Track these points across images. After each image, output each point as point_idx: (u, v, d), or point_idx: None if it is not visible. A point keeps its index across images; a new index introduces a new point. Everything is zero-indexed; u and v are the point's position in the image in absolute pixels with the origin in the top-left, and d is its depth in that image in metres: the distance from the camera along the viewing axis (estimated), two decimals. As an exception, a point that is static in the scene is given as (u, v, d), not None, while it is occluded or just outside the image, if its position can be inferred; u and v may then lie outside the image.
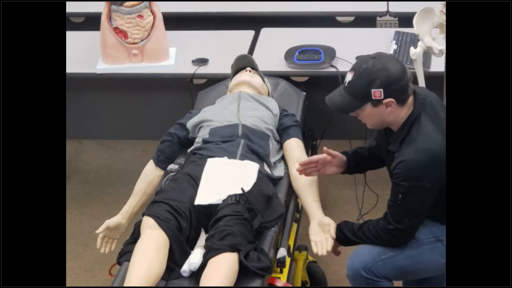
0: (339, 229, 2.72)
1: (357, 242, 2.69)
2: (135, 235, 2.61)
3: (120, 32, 3.55)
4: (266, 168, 2.89)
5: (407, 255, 2.62)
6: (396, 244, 2.62)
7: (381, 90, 2.45)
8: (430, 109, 2.54)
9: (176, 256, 2.53)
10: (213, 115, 3.08)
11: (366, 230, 2.65)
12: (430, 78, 3.14)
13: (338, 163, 2.81)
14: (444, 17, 2.95)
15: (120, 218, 2.96)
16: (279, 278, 2.62)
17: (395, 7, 3.98)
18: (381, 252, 2.63)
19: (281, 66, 3.59)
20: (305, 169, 2.81)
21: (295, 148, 3.03)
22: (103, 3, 3.51)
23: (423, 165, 2.45)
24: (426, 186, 2.47)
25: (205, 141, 2.96)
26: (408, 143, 2.51)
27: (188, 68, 3.62)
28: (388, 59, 2.50)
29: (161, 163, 3.04)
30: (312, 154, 3.47)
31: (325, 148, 2.77)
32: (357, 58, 3.47)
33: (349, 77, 2.50)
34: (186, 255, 2.53)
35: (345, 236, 2.70)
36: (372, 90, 2.45)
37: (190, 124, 3.10)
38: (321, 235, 2.72)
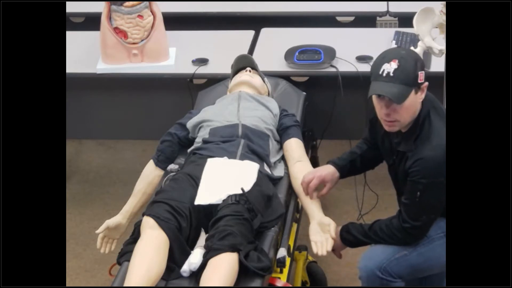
0: (346, 230, 2.71)
1: (367, 242, 2.69)
2: (135, 235, 2.61)
3: (120, 32, 3.55)
4: (266, 168, 2.89)
5: (419, 252, 2.63)
6: (411, 242, 2.62)
7: (423, 71, 2.48)
8: (437, 106, 2.57)
9: (176, 256, 2.52)
10: (213, 115, 3.08)
11: (378, 230, 2.64)
12: (430, 78, 3.11)
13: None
14: (444, 17, 2.95)
15: (120, 218, 2.96)
16: (279, 278, 2.62)
17: (395, 7, 3.98)
18: (395, 251, 2.63)
19: (281, 66, 3.58)
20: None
21: (295, 148, 3.03)
22: (103, 3, 3.51)
23: (440, 161, 2.44)
24: (443, 181, 2.45)
25: (205, 141, 2.96)
26: (422, 140, 2.52)
27: (188, 68, 3.62)
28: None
29: (161, 163, 3.04)
30: (312, 154, 3.47)
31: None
32: (357, 57, 3.52)
33: (392, 66, 2.46)
34: (186, 255, 2.53)
35: (354, 237, 2.69)
36: (419, 72, 2.47)
37: (190, 124, 3.10)
38: (321, 235, 2.72)
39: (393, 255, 2.63)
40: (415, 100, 2.49)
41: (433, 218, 2.58)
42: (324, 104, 3.60)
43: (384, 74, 2.47)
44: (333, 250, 2.75)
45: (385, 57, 2.50)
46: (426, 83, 2.50)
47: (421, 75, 2.48)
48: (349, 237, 2.70)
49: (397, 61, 2.46)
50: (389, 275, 2.63)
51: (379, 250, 2.65)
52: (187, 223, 2.58)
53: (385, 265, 2.62)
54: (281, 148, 3.07)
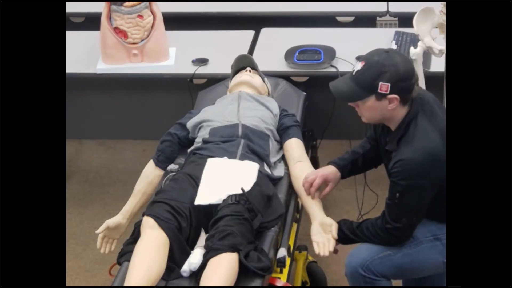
0: (338, 227, 2.72)
1: (356, 240, 2.70)
2: (135, 235, 2.61)
3: (120, 32, 3.55)
4: (266, 168, 2.89)
5: (405, 254, 2.63)
6: (394, 243, 2.62)
7: (389, 84, 2.45)
8: (427, 108, 2.55)
9: (176, 256, 2.53)
10: (213, 115, 3.08)
11: (365, 229, 2.65)
12: (430, 78, 3.14)
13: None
14: (444, 17, 2.96)
15: (120, 218, 2.96)
16: (279, 278, 2.62)
17: (395, 7, 3.98)
18: (379, 250, 2.63)
19: (281, 66, 3.58)
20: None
21: (295, 148, 3.03)
22: (103, 3, 3.51)
23: (420, 163, 2.45)
24: (423, 184, 2.47)
25: (205, 141, 2.96)
26: (405, 142, 2.52)
27: (188, 68, 3.62)
28: (401, 57, 2.52)
29: (161, 163, 3.04)
30: (312, 154, 3.48)
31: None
32: (357, 58, 3.52)
33: (358, 66, 2.50)
34: (186, 255, 2.53)
35: (344, 234, 2.70)
36: (380, 82, 2.45)
37: (190, 124, 3.10)
38: (322, 235, 2.72)
39: (377, 254, 2.63)
40: (379, 106, 2.49)
41: (414, 220, 2.57)
42: (324, 104, 3.60)
43: (351, 70, 2.53)
44: None
45: (364, 55, 2.53)
46: (395, 96, 2.46)
47: (384, 86, 2.45)
48: (339, 233, 2.71)
49: (363, 63, 2.49)
50: (372, 274, 2.63)
51: (364, 248, 2.66)
52: (187, 223, 2.58)
53: (367, 263, 2.63)
54: (281, 148, 3.07)
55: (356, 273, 2.65)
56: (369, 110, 2.53)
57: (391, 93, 2.46)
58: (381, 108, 2.50)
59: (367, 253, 2.64)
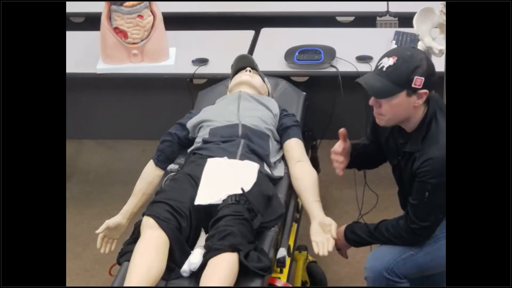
0: (351, 230, 2.71)
1: (372, 242, 2.69)
2: (135, 235, 2.61)
3: (120, 32, 3.55)
4: (266, 168, 2.89)
5: (426, 252, 2.63)
6: (418, 243, 2.62)
7: (423, 78, 2.45)
8: (442, 106, 2.56)
9: (176, 256, 2.53)
10: (213, 115, 3.08)
11: (384, 230, 2.64)
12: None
13: (348, 152, 2.80)
14: (444, 17, 2.96)
15: (120, 218, 2.96)
16: (279, 278, 2.62)
17: (395, 7, 3.98)
18: (401, 251, 2.63)
19: (281, 66, 3.58)
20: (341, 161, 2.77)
21: (295, 148, 3.03)
22: (103, 3, 3.51)
23: None
24: None
25: (205, 141, 2.96)
26: (430, 140, 2.51)
27: (188, 68, 3.62)
28: (424, 53, 2.53)
29: (161, 163, 3.04)
30: (312, 154, 3.47)
31: (342, 130, 2.74)
32: (357, 57, 3.52)
33: (389, 61, 2.46)
34: (186, 255, 2.53)
35: (359, 237, 2.69)
36: (415, 77, 2.44)
37: (190, 124, 3.10)
38: (322, 235, 2.72)
39: (400, 256, 2.63)
40: (406, 102, 2.48)
41: (441, 218, 2.57)
42: (324, 104, 3.60)
43: (379, 67, 2.49)
44: (339, 250, 2.76)
45: (391, 52, 2.51)
46: (425, 91, 2.47)
47: (418, 80, 2.44)
48: (354, 236, 2.70)
49: (396, 58, 2.46)
50: (396, 276, 2.63)
51: (386, 251, 2.65)
52: (187, 223, 2.58)
53: (392, 265, 2.62)
54: (281, 148, 3.07)
55: (380, 277, 2.64)
56: (395, 108, 2.49)
57: (423, 87, 2.46)
58: (407, 105, 2.48)
59: (390, 255, 2.64)
